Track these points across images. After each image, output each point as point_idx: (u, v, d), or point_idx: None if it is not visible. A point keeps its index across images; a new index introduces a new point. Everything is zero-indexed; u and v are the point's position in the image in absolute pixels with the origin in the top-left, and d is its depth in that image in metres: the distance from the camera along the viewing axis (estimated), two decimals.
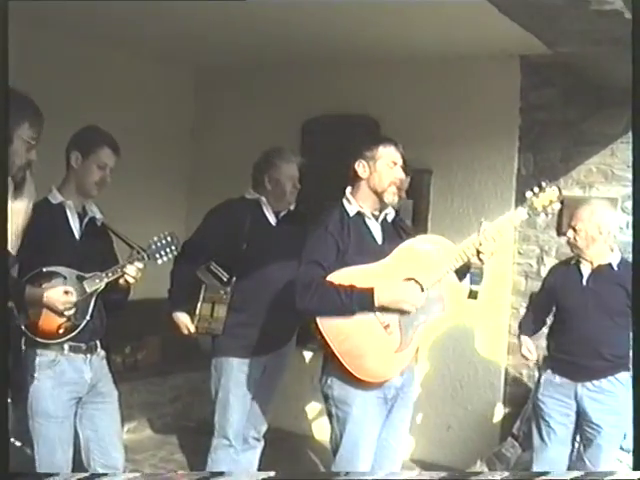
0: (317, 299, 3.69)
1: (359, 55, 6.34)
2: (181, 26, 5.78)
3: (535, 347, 4.96)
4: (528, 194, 4.02)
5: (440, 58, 6.22)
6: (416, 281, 3.84)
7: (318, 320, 3.72)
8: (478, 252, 3.89)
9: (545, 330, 5.06)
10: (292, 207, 5.03)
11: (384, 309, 3.77)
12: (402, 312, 3.81)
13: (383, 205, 3.98)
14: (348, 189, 4.01)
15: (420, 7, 4.85)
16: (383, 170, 3.92)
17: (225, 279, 4.78)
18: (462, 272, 4.02)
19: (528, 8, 3.72)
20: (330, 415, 3.96)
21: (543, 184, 4.02)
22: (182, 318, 4.83)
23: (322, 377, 3.95)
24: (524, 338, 4.98)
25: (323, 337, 3.73)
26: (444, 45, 5.89)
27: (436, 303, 3.90)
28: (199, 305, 4.80)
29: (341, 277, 3.73)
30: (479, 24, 5.03)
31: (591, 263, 4.71)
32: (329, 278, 3.72)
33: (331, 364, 3.85)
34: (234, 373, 4.80)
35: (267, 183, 4.89)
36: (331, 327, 3.73)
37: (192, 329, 4.82)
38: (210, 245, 4.74)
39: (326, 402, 3.96)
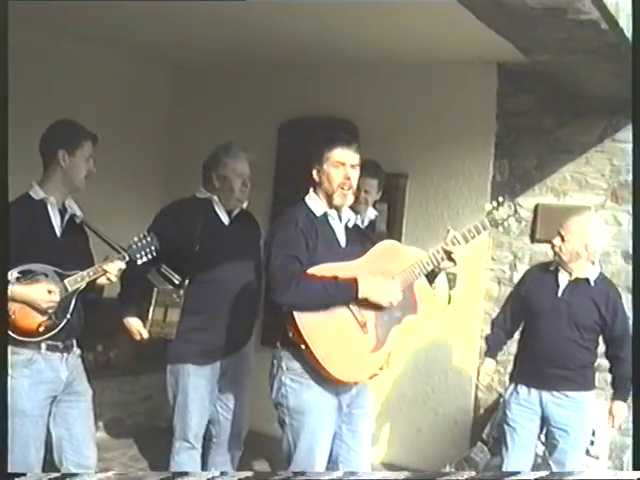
0: (300, 291, 3.67)
1: (337, 58, 6.36)
2: (160, 26, 5.77)
3: (494, 371, 5.05)
4: (487, 206, 4.12)
5: (418, 63, 6.24)
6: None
7: (295, 315, 3.69)
8: (449, 255, 3.93)
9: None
10: (245, 206, 4.89)
11: (362, 305, 3.78)
12: (378, 310, 3.82)
13: (336, 207, 3.95)
14: (311, 190, 3.99)
15: (399, 12, 4.87)
16: (330, 172, 3.89)
17: (177, 282, 4.63)
18: (433, 276, 4.04)
19: (505, 16, 3.74)
20: (283, 423, 3.93)
21: (500, 199, 4.11)
22: (134, 323, 4.71)
23: (274, 384, 3.90)
24: (489, 361, 4.98)
25: (299, 331, 3.69)
26: (422, 50, 5.92)
27: (409, 305, 3.92)
28: (151, 309, 4.68)
29: (319, 272, 3.72)
30: (457, 30, 5.05)
31: (570, 274, 4.71)
32: (310, 272, 3.71)
33: (287, 371, 3.83)
34: (191, 379, 4.70)
35: (215, 181, 4.76)
36: (309, 323, 3.71)
37: (145, 334, 4.71)
38: (162, 246, 4.27)
39: (278, 409, 3.93)
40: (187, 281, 4.66)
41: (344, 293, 3.73)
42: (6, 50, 2.70)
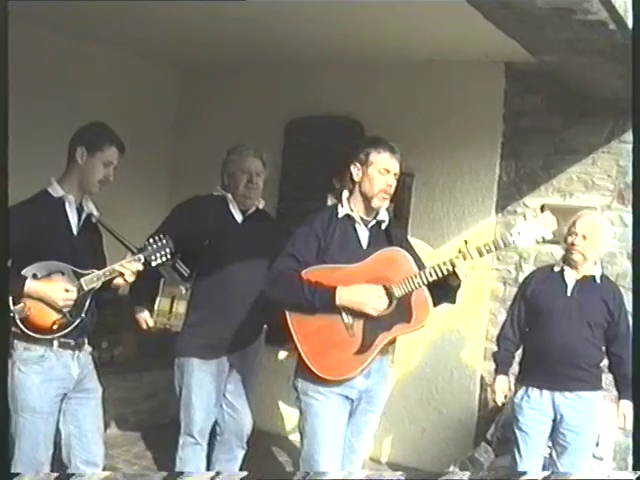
0: (283, 289, 3.83)
1: (344, 57, 6.36)
2: (166, 24, 5.77)
3: (509, 387, 4.91)
4: (520, 220, 4.06)
5: (425, 62, 6.24)
6: (386, 288, 3.86)
7: (287, 313, 3.83)
8: (454, 269, 3.86)
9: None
10: (262, 205, 4.93)
11: (350, 310, 3.83)
12: (367, 315, 3.85)
13: (371, 209, 4.01)
14: (345, 193, 4.03)
15: (406, 11, 4.88)
16: (374, 176, 3.94)
17: (186, 274, 4.62)
18: (441, 294, 4.01)
19: (513, 16, 3.74)
20: (298, 407, 4.06)
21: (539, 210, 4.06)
22: (141, 313, 4.81)
23: (294, 372, 4.04)
24: (502, 379, 4.87)
25: (288, 328, 3.83)
26: (429, 50, 5.92)
27: (403, 314, 3.91)
28: (157, 299, 4.80)
29: (315, 274, 3.81)
30: (464, 30, 5.05)
31: (577, 272, 4.71)
32: (304, 272, 3.80)
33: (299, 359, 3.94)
34: (195, 373, 4.74)
35: (225, 178, 4.85)
36: (297, 320, 3.84)
37: (150, 323, 4.80)
38: (172, 240, 4.58)
39: (296, 396, 4.05)
40: (195, 274, 4.70)
41: (320, 299, 3.79)
42: (6, 50, 2.69)
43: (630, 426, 4.71)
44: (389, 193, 4.00)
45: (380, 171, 3.95)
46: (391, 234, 4.13)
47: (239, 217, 4.84)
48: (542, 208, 5.95)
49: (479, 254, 3.89)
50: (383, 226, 4.09)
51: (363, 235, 4.02)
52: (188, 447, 4.83)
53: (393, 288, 3.86)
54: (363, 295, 3.82)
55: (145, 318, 4.81)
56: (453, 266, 3.86)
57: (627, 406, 4.67)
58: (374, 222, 4.05)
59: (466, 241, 3.96)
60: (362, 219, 4.02)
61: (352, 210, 3.99)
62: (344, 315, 3.84)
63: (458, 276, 3.88)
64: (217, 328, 4.71)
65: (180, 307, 4.76)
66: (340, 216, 3.99)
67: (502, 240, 3.97)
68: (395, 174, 4.01)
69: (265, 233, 4.73)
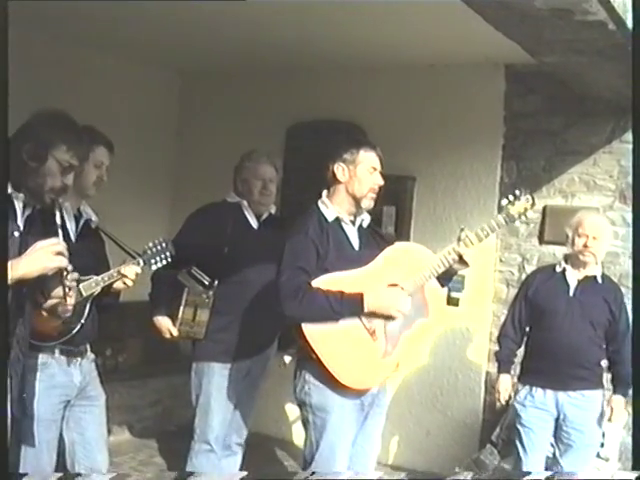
0: (306, 305, 3.68)
1: (344, 61, 6.36)
2: (167, 29, 5.78)
3: (513, 385, 4.96)
4: (504, 202, 4.05)
5: (425, 66, 6.25)
6: (401, 287, 3.85)
7: (303, 326, 3.70)
8: (460, 257, 3.90)
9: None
10: (273, 210, 4.99)
11: (370, 315, 3.78)
12: (387, 318, 3.82)
13: (359, 210, 3.99)
14: (324, 192, 4.00)
15: (406, 15, 4.88)
16: (363, 176, 3.92)
17: (207, 283, 4.72)
18: (446, 278, 4.03)
19: (513, 18, 3.74)
20: (306, 422, 3.94)
21: (517, 192, 4.05)
22: (164, 322, 4.79)
23: (298, 384, 3.92)
24: (505, 377, 4.93)
25: (307, 343, 3.71)
26: (429, 53, 5.92)
27: (419, 309, 3.91)
28: (181, 309, 4.76)
29: (326, 283, 3.73)
30: (464, 32, 5.05)
31: (579, 272, 4.75)
32: (323, 282, 3.72)
33: (310, 370, 3.84)
34: (215, 378, 4.77)
35: (239, 184, 4.87)
36: (315, 333, 3.72)
37: (175, 333, 4.78)
38: (191, 248, 4.58)
39: (302, 409, 3.95)
40: (216, 282, 4.74)
41: (349, 309, 3.73)
42: (6, 50, 2.68)
43: (617, 420, 4.79)
44: (376, 192, 3.98)
45: (368, 170, 3.93)
46: (374, 232, 4.14)
47: (255, 223, 4.89)
48: (544, 210, 5.96)
49: (478, 239, 3.94)
50: (365, 224, 4.07)
51: (353, 236, 3.99)
52: (202, 454, 4.82)
53: (407, 286, 3.85)
54: (389, 299, 3.79)
55: (168, 328, 4.79)
56: (459, 255, 3.89)
57: (619, 401, 4.72)
58: (359, 221, 4.03)
59: (462, 228, 3.99)
60: (350, 220, 3.99)
61: (339, 212, 3.96)
62: (364, 321, 3.79)
63: (465, 263, 3.93)
64: (238, 333, 4.75)
65: (203, 315, 4.74)
66: (330, 220, 3.93)
67: (495, 222, 4.00)
68: (380, 172, 3.99)
69: (279, 238, 4.75)
